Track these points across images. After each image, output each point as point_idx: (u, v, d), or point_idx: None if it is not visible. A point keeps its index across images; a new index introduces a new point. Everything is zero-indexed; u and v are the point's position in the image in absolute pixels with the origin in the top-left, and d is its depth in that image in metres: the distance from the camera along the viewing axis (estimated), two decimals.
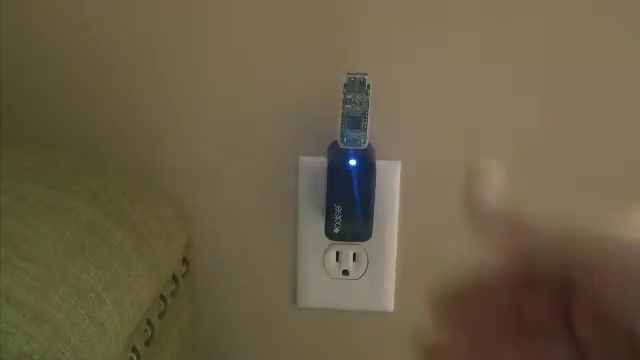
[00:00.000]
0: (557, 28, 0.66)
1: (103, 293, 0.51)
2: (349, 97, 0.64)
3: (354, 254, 0.72)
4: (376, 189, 0.66)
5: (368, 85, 0.64)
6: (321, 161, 0.67)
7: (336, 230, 0.66)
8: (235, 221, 0.74)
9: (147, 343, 0.58)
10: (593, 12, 0.66)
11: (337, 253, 0.72)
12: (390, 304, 0.74)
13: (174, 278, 0.65)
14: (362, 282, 0.73)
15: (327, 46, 0.68)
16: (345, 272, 0.73)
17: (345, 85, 0.64)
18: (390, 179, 0.70)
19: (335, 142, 0.65)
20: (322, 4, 0.67)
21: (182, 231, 0.67)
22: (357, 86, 0.64)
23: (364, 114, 0.64)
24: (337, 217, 0.66)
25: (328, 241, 0.70)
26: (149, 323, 0.59)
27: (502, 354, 0.27)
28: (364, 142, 0.64)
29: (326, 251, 0.72)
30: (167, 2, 0.68)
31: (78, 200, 0.57)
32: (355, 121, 0.64)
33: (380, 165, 0.66)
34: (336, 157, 0.65)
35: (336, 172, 0.65)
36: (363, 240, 0.68)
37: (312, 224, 0.71)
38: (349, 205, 0.65)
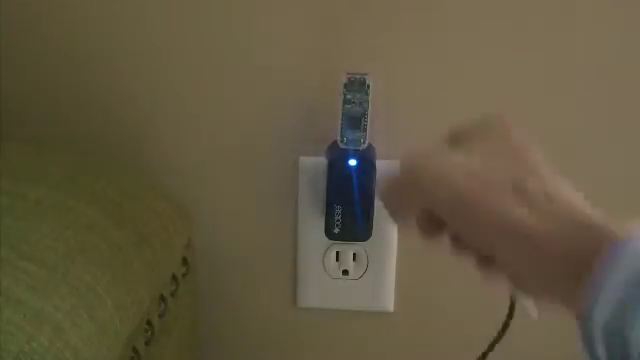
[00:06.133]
0: (557, 28, 0.66)
1: (103, 293, 0.51)
2: (349, 97, 0.64)
3: (354, 254, 0.72)
4: (376, 189, 0.66)
5: (368, 85, 0.64)
6: (321, 161, 0.67)
7: (336, 230, 0.66)
8: (235, 221, 0.74)
9: (147, 343, 0.58)
10: (592, 12, 0.66)
11: (337, 253, 0.72)
12: (390, 304, 0.74)
13: (174, 278, 0.65)
14: (362, 282, 0.73)
15: (327, 46, 0.68)
16: (345, 272, 0.73)
17: (345, 85, 0.64)
18: None
19: (335, 142, 0.65)
20: (322, 4, 0.67)
21: (182, 231, 0.67)
22: (357, 86, 0.64)
23: (364, 114, 0.64)
24: (337, 217, 0.66)
25: (328, 241, 0.70)
26: (149, 323, 0.59)
27: None
28: (364, 142, 0.64)
29: (326, 251, 0.72)
30: (167, 1, 0.68)
31: (78, 200, 0.57)
32: (355, 121, 0.64)
33: (380, 165, 0.66)
34: (336, 157, 0.65)
35: (336, 172, 0.65)
36: (363, 240, 0.68)
37: (312, 224, 0.71)
38: (349, 205, 0.65)
